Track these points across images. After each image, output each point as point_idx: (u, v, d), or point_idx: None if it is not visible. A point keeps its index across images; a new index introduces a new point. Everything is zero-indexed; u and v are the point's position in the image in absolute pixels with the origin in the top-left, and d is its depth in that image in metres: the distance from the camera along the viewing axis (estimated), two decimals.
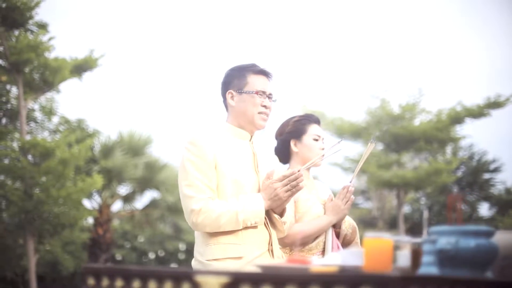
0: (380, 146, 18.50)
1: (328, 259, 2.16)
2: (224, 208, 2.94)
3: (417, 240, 1.94)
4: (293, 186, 3.00)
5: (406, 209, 23.84)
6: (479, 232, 1.87)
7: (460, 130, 18.38)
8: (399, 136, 17.37)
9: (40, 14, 19.03)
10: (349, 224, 3.82)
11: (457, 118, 17.40)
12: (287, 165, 3.81)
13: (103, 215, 15.74)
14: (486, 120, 17.60)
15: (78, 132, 15.31)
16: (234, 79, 3.19)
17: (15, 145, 12.76)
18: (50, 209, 11.82)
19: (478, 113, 17.22)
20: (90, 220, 16.65)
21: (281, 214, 3.15)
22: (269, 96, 3.20)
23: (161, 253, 22.57)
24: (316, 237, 3.66)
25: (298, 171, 3.03)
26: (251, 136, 3.23)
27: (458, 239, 1.84)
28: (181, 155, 3.07)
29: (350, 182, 3.77)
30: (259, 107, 3.15)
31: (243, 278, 1.55)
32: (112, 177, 15.37)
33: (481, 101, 17.25)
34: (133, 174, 15.71)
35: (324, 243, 3.67)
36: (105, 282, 1.91)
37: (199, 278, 1.66)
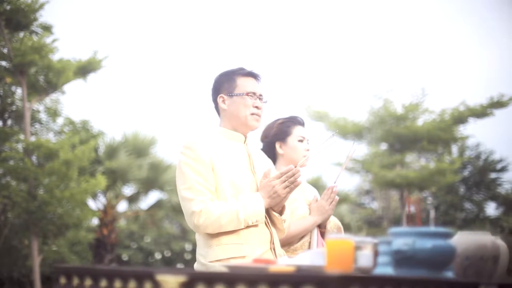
0: (383, 146, 18.51)
1: (296, 259, 2.22)
2: (225, 208, 2.98)
3: (378, 240, 1.99)
4: (291, 182, 3.05)
5: (412, 209, 23.80)
6: (436, 234, 1.92)
7: (465, 129, 18.39)
8: (402, 136, 17.38)
9: (44, 16, 19.14)
10: (334, 224, 3.87)
11: (460, 118, 17.40)
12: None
13: (107, 216, 15.84)
14: (493, 119, 17.62)
15: (82, 133, 15.42)
16: (224, 83, 3.26)
17: (19, 146, 12.86)
18: (54, 210, 11.91)
19: (481, 112, 17.22)
20: (96, 221, 16.75)
21: (281, 212, 3.20)
22: (260, 97, 3.27)
23: (167, 254, 22.64)
24: (301, 237, 3.70)
25: (295, 167, 3.09)
26: (245, 138, 3.29)
27: (415, 240, 1.89)
28: (178, 159, 3.12)
29: (335, 182, 3.82)
30: (251, 108, 3.21)
31: (199, 278, 1.62)
32: (116, 177, 15.47)
33: (484, 100, 17.27)
34: (138, 175, 15.80)
35: (309, 243, 3.72)
36: (75, 281, 1.98)
37: (159, 277, 1.73)
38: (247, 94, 3.20)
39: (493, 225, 22.02)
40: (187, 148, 3.08)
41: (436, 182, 17.44)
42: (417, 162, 22.22)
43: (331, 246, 1.91)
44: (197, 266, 3.11)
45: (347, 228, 19.35)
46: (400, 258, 1.88)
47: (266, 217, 3.11)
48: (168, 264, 22.04)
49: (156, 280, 1.73)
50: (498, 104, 17.13)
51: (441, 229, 1.94)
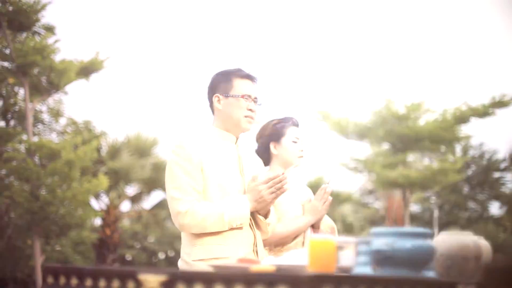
0: (385, 146, 18.54)
1: (281, 259, 2.25)
2: (210, 209, 3.03)
3: (359, 240, 2.03)
4: (277, 188, 3.10)
5: (416, 208, 23.85)
6: (416, 234, 1.95)
7: (468, 129, 18.43)
8: (404, 136, 17.40)
9: (47, 16, 19.20)
10: (327, 224, 3.91)
11: (462, 118, 17.43)
12: (267, 167, 3.90)
13: (110, 216, 15.90)
14: (495, 119, 17.66)
15: (85, 133, 15.47)
16: (221, 83, 3.29)
17: (22, 146, 12.91)
18: (56, 210, 11.96)
19: (483, 112, 17.25)
20: (99, 221, 16.81)
21: (266, 216, 3.25)
22: (255, 100, 3.30)
23: (171, 253, 22.70)
24: (295, 237, 3.74)
25: (283, 173, 3.13)
26: (237, 139, 3.32)
27: (395, 240, 1.93)
28: (168, 158, 3.17)
29: (328, 183, 3.86)
30: (245, 111, 3.24)
31: (178, 277, 1.66)
32: (119, 178, 15.54)
33: (486, 100, 17.30)
34: (140, 175, 15.87)
35: (303, 243, 3.76)
36: (62, 280, 2.02)
37: (141, 277, 1.77)
38: (243, 96, 3.24)
39: (497, 224, 22.01)
40: (178, 147, 3.12)
41: (438, 181, 17.46)
42: (420, 162, 22.23)
43: (313, 246, 1.95)
44: (181, 264, 3.16)
45: (350, 227, 19.39)
46: (380, 258, 1.91)
47: (251, 220, 3.16)
48: (172, 264, 22.09)
49: (138, 279, 1.77)
50: (500, 103, 17.17)
51: (420, 229, 1.97)
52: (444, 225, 21.76)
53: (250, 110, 3.25)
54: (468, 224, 22.76)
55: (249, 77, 3.31)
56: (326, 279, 1.44)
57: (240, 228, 3.11)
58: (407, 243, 1.93)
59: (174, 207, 3.05)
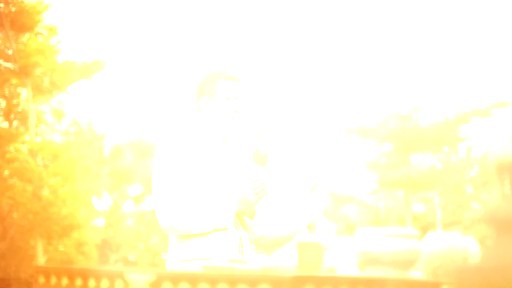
0: (388, 147, 18.54)
1: (272, 259, 2.28)
2: (195, 211, 3.06)
3: (346, 241, 2.05)
4: (261, 190, 3.13)
5: (419, 208, 23.82)
6: (402, 234, 1.97)
7: (470, 129, 18.41)
8: (407, 136, 17.41)
9: (49, 17, 19.24)
10: (324, 226, 3.93)
11: (464, 118, 17.44)
12: (264, 168, 3.92)
13: (113, 216, 15.93)
14: (498, 119, 17.64)
15: (88, 134, 15.50)
16: (206, 86, 3.32)
17: (24, 147, 12.94)
18: (58, 211, 11.99)
19: (485, 113, 17.25)
20: (102, 221, 16.82)
21: (251, 216, 3.27)
22: (240, 101, 3.33)
23: None
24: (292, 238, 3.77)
25: (266, 176, 3.16)
26: (224, 139, 3.35)
27: (381, 240, 1.95)
28: (155, 159, 3.21)
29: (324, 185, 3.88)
30: (231, 112, 3.28)
31: (165, 277, 1.68)
32: (121, 178, 15.57)
33: (488, 101, 17.30)
34: (143, 176, 15.91)
35: None
36: (53, 280, 2.05)
37: (130, 277, 1.79)
38: (228, 98, 3.27)
39: None
40: (164, 149, 3.17)
41: (441, 182, 17.46)
42: (423, 162, 22.21)
43: (301, 248, 1.97)
44: (168, 264, 3.19)
45: (352, 228, 19.35)
46: (366, 259, 1.93)
47: (237, 221, 3.19)
48: None
49: (126, 280, 1.80)
50: (502, 104, 17.17)
51: (407, 230, 1.99)
52: (448, 226, 21.72)
53: (236, 111, 3.28)
54: (472, 225, 22.71)
55: (234, 78, 3.34)
56: (308, 279, 1.46)
57: (226, 229, 3.14)
58: (394, 244, 1.95)
59: (159, 209, 3.09)
